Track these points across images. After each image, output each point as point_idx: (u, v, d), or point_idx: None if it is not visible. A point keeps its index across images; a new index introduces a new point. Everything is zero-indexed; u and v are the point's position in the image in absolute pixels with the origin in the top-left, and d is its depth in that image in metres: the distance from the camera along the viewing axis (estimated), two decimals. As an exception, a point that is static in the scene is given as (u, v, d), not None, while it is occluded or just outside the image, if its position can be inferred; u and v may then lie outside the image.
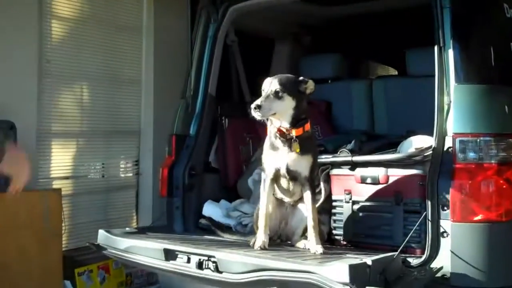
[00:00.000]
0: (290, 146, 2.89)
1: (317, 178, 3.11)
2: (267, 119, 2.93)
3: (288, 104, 2.84)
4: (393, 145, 3.43)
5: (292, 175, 2.95)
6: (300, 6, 4.16)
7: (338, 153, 3.35)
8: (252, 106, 2.78)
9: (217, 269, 2.71)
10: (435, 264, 2.73)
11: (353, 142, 3.43)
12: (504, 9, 3.04)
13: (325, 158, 3.35)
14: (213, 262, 2.73)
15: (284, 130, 2.89)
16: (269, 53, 4.77)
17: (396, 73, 5.63)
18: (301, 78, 2.92)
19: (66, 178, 4.77)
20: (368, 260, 2.45)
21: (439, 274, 2.71)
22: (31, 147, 4.33)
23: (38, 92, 4.47)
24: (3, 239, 3.80)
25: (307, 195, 2.95)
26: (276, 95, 2.81)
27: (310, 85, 2.89)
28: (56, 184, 4.60)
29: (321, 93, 4.28)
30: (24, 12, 4.34)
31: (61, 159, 4.75)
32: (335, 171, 3.33)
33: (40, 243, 3.98)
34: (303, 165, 2.93)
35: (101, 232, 3.20)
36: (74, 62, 4.78)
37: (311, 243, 2.91)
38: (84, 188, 4.89)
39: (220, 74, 3.98)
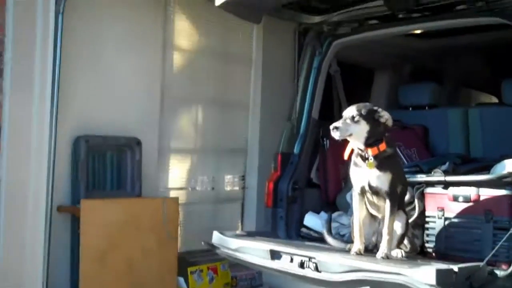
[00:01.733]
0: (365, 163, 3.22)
1: (400, 193, 3.32)
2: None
3: (362, 128, 3.16)
4: (487, 168, 3.65)
5: (374, 190, 3.26)
6: (400, 40, 4.49)
7: (432, 173, 3.62)
8: (331, 127, 3.15)
9: (316, 269, 3.06)
10: (521, 276, 2.93)
11: (447, 163, 3.69)
12: None
13: (419, 178, 3.64)
14: (314, 262, 3.08)
15: (360, 151, 3.23)
16: (369, 81, 5.11)
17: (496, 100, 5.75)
18: (377, 108, 3.23)
19: (181, 189, 5.28)
20: (455, 267, 2.70)
21: (525, 286, 2.90)
22: (153, 160, 4.93)
23: (160, 113, 5.03)
24: (129, 240, 4.31)
25: (387, 206, 3.23)
26: (352, 119, 3.16)
27: (385, 115, 3.21)
28: (173, 194, 5.16)
29: (419, 118, 4.58)
30: (151, 44, 4.92)
31: (177, 172, 5.29)
32: (429, 190, 3.60)
33: (159, 244, 4.46)
34: (382, 181, 3.22)
35: (215, 233, 3.66)
36: (191, 88, 5.31)
37: (381, 248, 3.18)
38: (196, 198, 5.36)
39: (323, 99, 4.39)
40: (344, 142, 3.28)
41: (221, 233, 3.66)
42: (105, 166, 4.62)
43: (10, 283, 3.90)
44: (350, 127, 3.17)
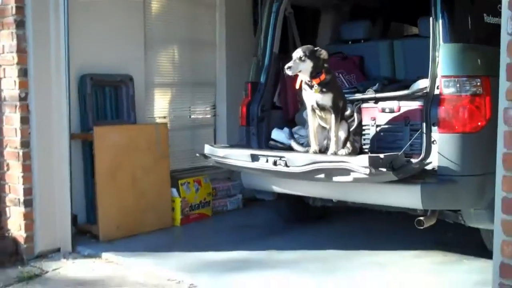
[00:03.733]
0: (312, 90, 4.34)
1: (340, 107, 4.38)
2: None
3: (308, 65, 4.25)
4: (407, 87, 4.83)
5: (321, 107, 4.37)
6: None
7: (366, 92, 4.79)
8: (286, 66, 4.25)
9: (286, 165, 4.23)
10: (428, 161, 4.18)
11: (377, 84, 4.86)
12: (480, -10, 4.39)
13: (357, 96, 4.80)
14: (283, 160, 4.24)
15: (307, 81, 4.34)
16: (316, 20, 6.19)
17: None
18: (317, 48, 4.31)
19: (164, 117, 6.37)
20: (382, 155, 3.92)
21: (430, 168, 4.14)
22: (141, 93, 5.94)
23: (144, 53, 6.02)
24: (131, 159, 5.36)
25: (332, 118, 4.36)
26: (300, 59, 4.25)
27: (323, 53, 4.29)
28: (158, 122, 6.21)
29: (356, 50, 5.70)
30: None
31: (160, 103, 6.35)
32: (364, 105, 4.74)
33: (155, 161, 5.52)
34: (326, 100, 4.33)
35: (207, 145, 4.76)
36: (168, 31, 6.31)
37: (330, 147, 4.35)
38: (176, 125, 6.46)
39: (281, 37, 5.43)
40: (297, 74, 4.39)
41: (211, 145, 4.76)
42: (105, 99, 5.62)
43: (43, 199, 4.92)
44: (299, 66, 4.27)
